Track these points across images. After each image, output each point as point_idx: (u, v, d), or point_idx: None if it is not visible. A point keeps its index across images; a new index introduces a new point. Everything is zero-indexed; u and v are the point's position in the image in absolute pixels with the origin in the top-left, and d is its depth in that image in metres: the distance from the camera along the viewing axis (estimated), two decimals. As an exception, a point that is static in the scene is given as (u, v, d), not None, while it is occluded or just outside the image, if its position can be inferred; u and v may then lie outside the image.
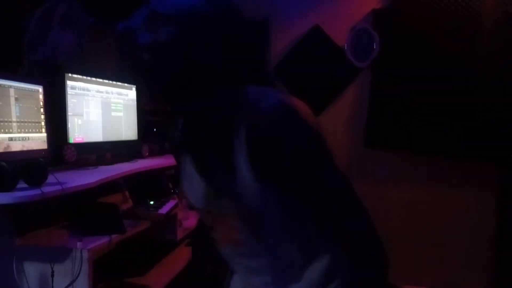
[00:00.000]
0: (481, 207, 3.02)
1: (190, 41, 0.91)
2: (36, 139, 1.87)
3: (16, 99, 1.76)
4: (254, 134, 0.87)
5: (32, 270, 1.66)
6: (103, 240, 1.77)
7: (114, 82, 2.42)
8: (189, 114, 0.97)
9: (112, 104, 2.40)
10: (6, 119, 1.71)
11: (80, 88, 2.15)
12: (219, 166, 0.92)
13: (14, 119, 1.75)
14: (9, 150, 1.71)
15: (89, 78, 2.21)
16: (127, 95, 2.54)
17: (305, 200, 0.91)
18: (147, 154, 2.66)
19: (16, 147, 1.75)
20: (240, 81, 0.94)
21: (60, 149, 2.01)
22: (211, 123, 0.92)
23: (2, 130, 1.69)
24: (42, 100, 1.93)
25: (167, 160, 2.61)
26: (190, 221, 2.70)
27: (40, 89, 1.92)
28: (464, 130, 2.87)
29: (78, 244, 1.66)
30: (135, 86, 2.60)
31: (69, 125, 2.07)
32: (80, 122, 2.15)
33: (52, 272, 1.59)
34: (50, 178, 1.55)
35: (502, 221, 2.90)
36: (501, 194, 2.90)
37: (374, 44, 3.06)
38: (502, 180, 2.90)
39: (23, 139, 1.80)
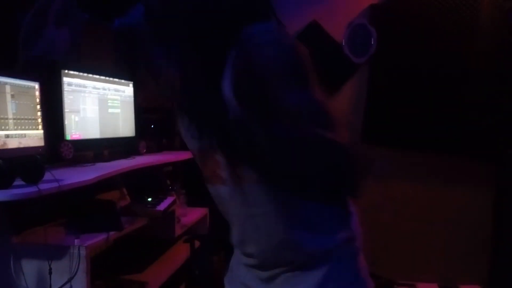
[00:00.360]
0: (478, 204, 3.03)
1: None
2: (32, 136, 1.86)
3: (12, 95, 1.75)
4: (240, 59, 0.87)
5: (29, 268, 1.65)
6: (101, 237, 1.76)
7: (111, 79, 2.41)
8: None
9: (109, 101, 2.39)
10: (2, 116, 1.70)
11: (76, 85, 2.14)
12: (210, 94, 0.91)
13: (10, 116, 1.74)
14: (5, 147, 1.70)
15: (85, 74, 2.20)
16: (124, 91, 2.53)
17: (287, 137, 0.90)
18: (144, 150, 2.65)
19: (12, 144, 1.74)
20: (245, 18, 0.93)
21: (57, 146, 2.00)
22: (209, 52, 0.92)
23: (-2, 127, 1.68)
24: (39, 97, 1.92)
25: (164, 157, 2.61)
26: (188, 217, 2.70)
27: (36, 85, 1.91)
28: (461, 127, 2.87)
29: (76, 241, 1.66)
30: (132, 82, 2.59)
31: (66, 122, 2.07)
32: (77, 119, 2.14)
33: (50, 269, 1.59)
34: (47, 175, 1.54)
35: (498, 218, 2.91)
36: (498, 191, 2.91)
37: (372, 40, 3.05)
38: (499, 177, 2.90)
39: (20, 136, 1.79)
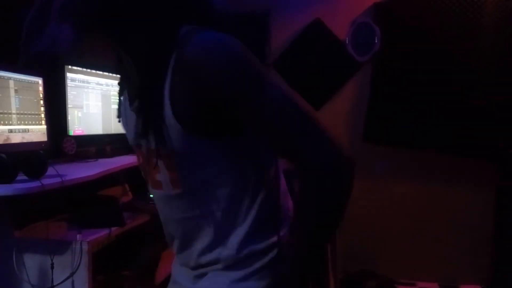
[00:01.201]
0: (479, 204, 3.02)
1: None
2: (36, 131, 1.87)
3: (16, 90, 1.76)
4: (177, 80, 0.84)
5: (32, 262, 1.66)
6: (103, 233, 1.77)
7: (114, 75, 2.41)
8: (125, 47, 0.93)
9: (112, 97, 2.39)
10: (5, 111, 1.71)
11: (80, 81, 2.14)
12: (151, 99, 0.88)
13: (13, 111, 1.74)
14: (8, 142, 1.70)
15: (89, 70, 2.20)
16: (127, 87, 2.53)
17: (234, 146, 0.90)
18: (147, 147, 2.64)
19: (16, 139, 1.74)
20: (179, 20, 0.89)
21: (60, 142, 2.00)
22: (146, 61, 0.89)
23: (2, 122, 1.69)
24: (42, 92, 1.92)
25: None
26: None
27: (40, 81, 1.91)
28: (462, 126, 2.86)
29: (78, 236, 1.66)
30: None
31: (69, 117, 2.07)
32: (80, 114, 2.14)
33: (52, 264, 1.60)
34: (50, 171, 1.55)
35: (499, 218, 2.90)
36: (499, 191, 2.90)
37: (375, 38, 3.04)
38: (499, 177, 2.89)
39: (23, 131, 1.79)
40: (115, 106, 2.40)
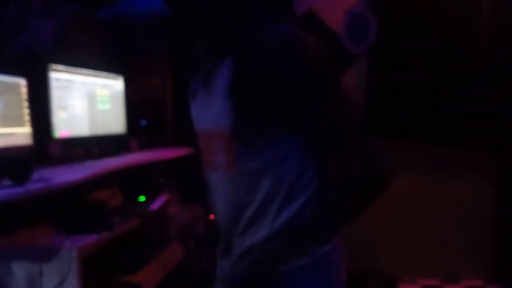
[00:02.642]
0: (480, 198, 3.01)
1: None
2: (20, 134, 1.80)
3: (-2, 93, 1.69)
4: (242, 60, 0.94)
5: (20, 270, 1.61)
6: (92, 238, 1.72)
7: (100, 72, 2.34)
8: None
9: (98, 96, 2.33)
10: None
11: (64, 80, 2.08)
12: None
13: (-4, 114, 1.67)
14: (-9, 146, 1.63)
15: (73, 69, 2.14)
16: (113, 86, 2.46)
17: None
18: (136, 148, 2.59)
19: (-2, 143, 1.68)
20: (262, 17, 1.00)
21: (45, 144, 1.94)
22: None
23: (-17, 126, 1.61)
24: (26, 94, 1.85)
25: (157, 154, 2.55)
26: (182, 216, 2.64)
27: (23, 82, 1.84)
28: (462, 119, 2.84)
29: (66, 243, 1.61)
30: (122, 76, 2.53)
31: (54, 119, 2.00)
32: (65, 115, 2.08)
33: (41, 272, 1.56)
34: (35, 175, 1.50)
35: (501, 212, 2.89)
36: (500, 184, 2.89)
37: (371, 29, 2.99)
38: (501, 169, 2.88)
39: (6, 135, 1.72)
40: (102, 106, 2.35)
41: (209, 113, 1.06)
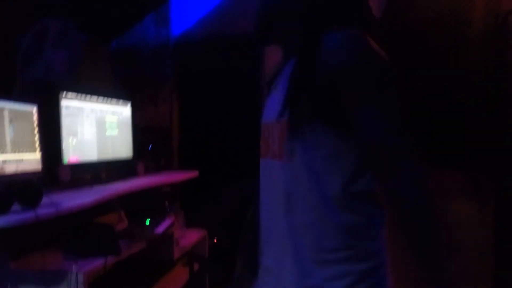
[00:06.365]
0: (479, 217, 3.01)
1: None
2: (30, 160, 1.85)
3: (10, 120, 1.74)
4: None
5: (27, 294, 1.63)
6: (99, 262, 1.74)
7: (109, 99, 2.40)
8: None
9: (107, 123, 2.38)
10: (0, 141, 1.69)
11: (74, 107, 2.13)
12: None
13: (8, 141, 1.72)
14: (3, 172, 1.68)
15: (83, 96, 2.19)
16: (121, 113, 2.52)
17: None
18: (142, 172, 2.63)
19: (10, 169, 1.72)
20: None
21: (55, 170, 1.99)
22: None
23: (-4, 152, 1.67)
24: (37, 120, 1.91)
25: (162, 178, 2.59)
26: (186, 239, 2.67)
27: (34, 109, 1.90)
28: (458, 141, 2.85)
29: (74, 267, 1.64)
30: (130, 103, 2.59)
31: (64, 145, 2.05)
32: (74, 141, 2.12)
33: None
34: (45, 199, 1.53)
35: (500, 231, 2.89)
36: (498, 206, 2.89)
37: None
38: (498, 191, 2.89)
39: (17, 161, 1.77)
40: (110, 132, 2.40)
41: (271, 106, 1.13)
